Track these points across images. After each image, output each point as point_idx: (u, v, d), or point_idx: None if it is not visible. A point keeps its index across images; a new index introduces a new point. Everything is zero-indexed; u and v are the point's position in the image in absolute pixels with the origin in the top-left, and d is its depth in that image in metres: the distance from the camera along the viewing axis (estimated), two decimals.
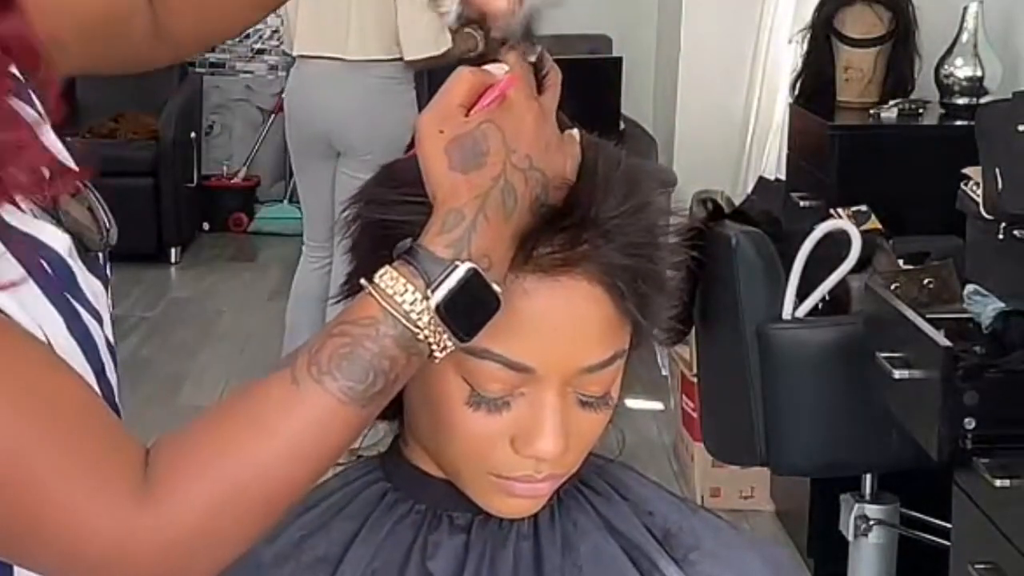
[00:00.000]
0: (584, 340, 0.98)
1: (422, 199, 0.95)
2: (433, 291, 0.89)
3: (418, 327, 0.89)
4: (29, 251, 0.91)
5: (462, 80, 0.94)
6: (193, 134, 6.87)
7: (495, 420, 0.98)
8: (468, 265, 0.90)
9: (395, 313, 0.89)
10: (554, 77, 0.98)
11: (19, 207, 0.91)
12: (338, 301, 1.08)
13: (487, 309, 0.91)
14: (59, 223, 0.95)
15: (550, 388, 0.98)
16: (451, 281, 0.89)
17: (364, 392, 0.89)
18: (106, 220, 1.02)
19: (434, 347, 0.90)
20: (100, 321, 0.98)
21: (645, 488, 1.12)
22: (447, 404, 0.99)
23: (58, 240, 0.94)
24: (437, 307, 0.89)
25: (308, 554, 1.05)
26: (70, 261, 0.95)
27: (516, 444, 0.99)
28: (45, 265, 0.92)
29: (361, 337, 0.89)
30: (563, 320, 0.96)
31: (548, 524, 1.05)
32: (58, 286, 0.93)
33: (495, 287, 0.91)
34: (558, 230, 0.95)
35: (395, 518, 1.05)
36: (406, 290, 0.90)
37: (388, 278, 0.90)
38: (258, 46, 7.46)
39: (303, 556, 1.05)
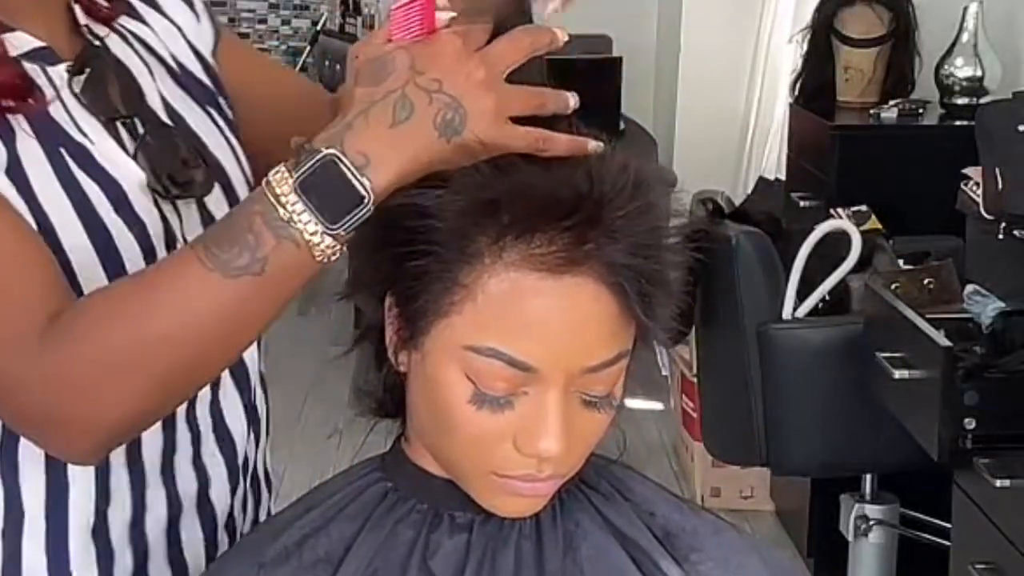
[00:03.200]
0: (588, 340, 0.98)
1: (424, 198, 0.96)
2: (296, 172, 0.95)
3: (281, 204, 0.95)
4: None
5: (391, 17, 1.00)
6: None
7: (498, 419, 0.98)
8: (329, 151, 0.95)
9: (265, 191, 0.96)
10: (516, 38, 0.98)
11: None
12: (341, 298, 1.09)
13: (350, 200, 0.95)
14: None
15: (554, 387, 0.98)
16: (312, 164, 0.95)
17: (227, 261, 0.96)
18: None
19: (303, 231, 0.95)
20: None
21: (647, 489, 1.12)
22: (451, 402, 0.99)
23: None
24: (297, 187, 0.95)
25: (309, 554, 1.05)
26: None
27: (519, 443, 0.99)
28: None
29: (235, 213, 0.99)
30: (567, 319, 0.96)
31: (550, 524, 1.05)
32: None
33: (362, 180, 0.95)
34: (563, 229, 0.95)
35: (396, 518, 1.05)
36: (277, 171, 0.96)
37: (273, 171, 0.96)
38: (258, 46, 7.47)
39: (304, 555, 1.05)
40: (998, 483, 2.18)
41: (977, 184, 2.67)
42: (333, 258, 0.98)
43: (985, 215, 2.62)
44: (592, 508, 1.08)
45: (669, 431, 4.36)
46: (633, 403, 4.30)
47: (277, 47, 7.41)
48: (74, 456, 1.03)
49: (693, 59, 5.34)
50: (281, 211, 0.95)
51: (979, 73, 3.45)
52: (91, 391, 0.97)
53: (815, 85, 3.77)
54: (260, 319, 1.00)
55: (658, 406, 4.44)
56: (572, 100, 1.00)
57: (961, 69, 3.47)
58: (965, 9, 3.45)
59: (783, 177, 3.95)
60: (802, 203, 3.55)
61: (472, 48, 0.97)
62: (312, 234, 0.95)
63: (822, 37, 3.74)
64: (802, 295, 2.80)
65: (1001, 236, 2.58)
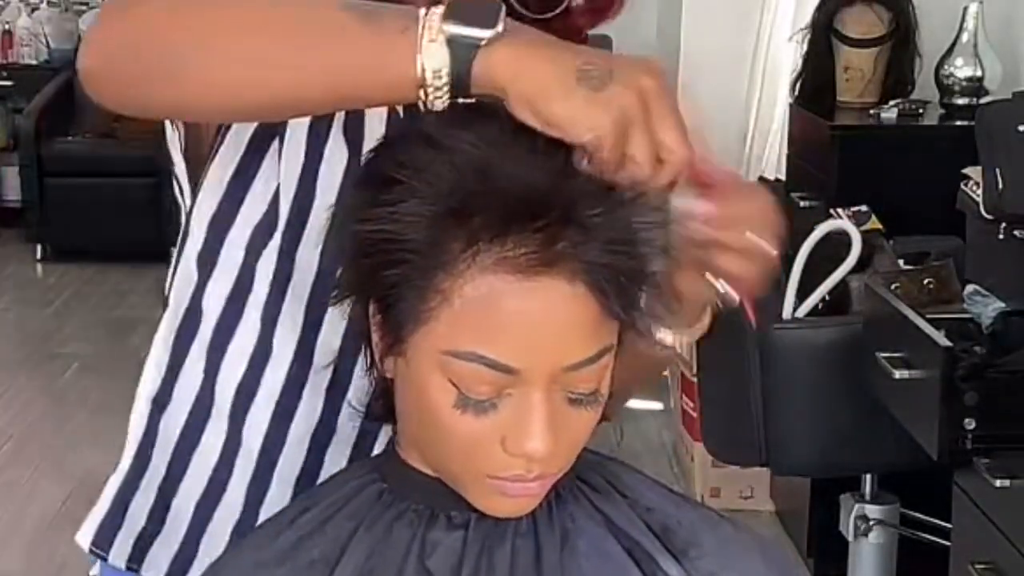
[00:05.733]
0: (567, 339, 0.97)
1: (395, 204, 0.96)
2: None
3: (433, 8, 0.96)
4: None
5: None
6: None
7: (483, 422, 0.98)
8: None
9: None
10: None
11: None
12: (330, 305, 1.09)
13: (488, 17, 0.95)
14: None
15: (536, 388, 0.97)
16: None
17: (356, 3, 0.98)
18: None
19: (427, 26, 0.96)
20: None
21: (643, 484, 1.12)
22: (435, 408, 0.99)
23: None
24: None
25: (304, 555, 1.05)
26: None
27: (506, 445, 0.99)
28: None
29: None
30: (545, 320, 0.96)
31: (546, 520, 1.05)
32: None
33: (500, 22, 0.95)
34: (535, 230, 0.95)
35: (392, 517, 1.05)
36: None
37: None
38: None
39: (300, 557, 1.05)
40: (998, 483, 2.19)
41: (977, 184, 2.67)
42: (434, 73, 0.96)
43: (985, 215, 2.62)
44: (588, 504, 1.08)
45: (669, 431, 4.37)
46: (633, 403, 4.31)
47: None
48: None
49: (693, 59, 5.34)
50: (427, 10, 0.96)
51: (979, 73, 3.45)
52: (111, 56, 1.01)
53: (815, 85, 3.77)
54: (320, 69, 0.98)
55: (658, 406, 4.45)
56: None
57: (961, 69, 3.47)
58: (965, 9, 3.45)
59: (783, 177, 3.95)
60: (802, 203, 3.54)
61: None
62: (430, 28, 0.95)
63: (822, 37, 3.74)
64: (802, 295, 2.79)
65: (1001, 236, 2.58)
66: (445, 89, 0.97)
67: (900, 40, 3.66)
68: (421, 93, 0.97)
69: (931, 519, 2.90)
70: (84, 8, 7.25)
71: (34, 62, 7.10)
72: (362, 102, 1.04)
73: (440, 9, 0.96)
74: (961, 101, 3.46)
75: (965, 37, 3.46)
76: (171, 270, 1.25)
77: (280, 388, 1.22)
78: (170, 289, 1.25)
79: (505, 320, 0.95)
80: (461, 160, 0.97)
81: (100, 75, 1.02)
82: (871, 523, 2.97)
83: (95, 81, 1.02)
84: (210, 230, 1.21)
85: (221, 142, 1.19)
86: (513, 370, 0.96)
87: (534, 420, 0.97)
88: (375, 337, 1.03)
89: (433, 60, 0.96)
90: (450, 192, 0.96)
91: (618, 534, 1.06)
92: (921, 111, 3.56)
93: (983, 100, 3.34)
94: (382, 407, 1.09)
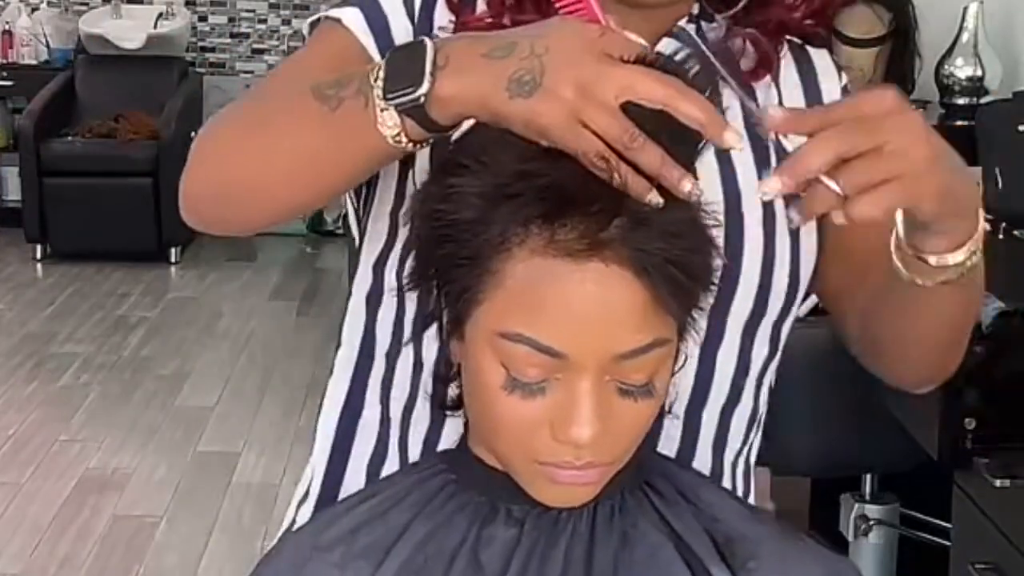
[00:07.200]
0: (616, 326, 0.97)
1: (450, 186, 0.98)
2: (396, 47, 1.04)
3: (375, 66, 1.02)
4: None
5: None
6: (193, 134, 6.80)
7: (531, 405, 0.99)
8: (425, 39, 1.01)
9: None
10: (654, 80, 0.96)
11: None
12: (408, 289, 1.11)
13: (410, 77, 0.99)
14: None
15: (585, 374, 0.97)
16: (407, 43, 1.03)
17: (320, 85, 1.05)
18: None
19: (373, 91, 1.01)
20: None
21: (715, 495, 1.12)
22: (486, 389, 1.00)
23: None
24: (388, 54, 1.02)
25: (363, 540, 1.06)
26: None
27: (554, 430, 0.99)
28: None
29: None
30: (592, 305, 0.96)
31: (606, 523, 1.06)
32: None
33: (429, 70, 0.98)
34: (588, 214, 0.95)
35: (453, 508, 1.07)
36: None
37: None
38: (258, 46, 7.47)
39: (357, 541, 1.06)
40: (998, 483, 2.18)
41: (977, 184, 2.67)
42: (394, 138, 1.01)
43: (985, 215, 2.62)
44: (653, 510, 1.08)
45: None
46: None
47: (277, 47, 7.40)
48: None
49: None
50: (372, 72, 1.01)
51: (979, 73, 3.45)
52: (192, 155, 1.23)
53: None
54: (317, 153, 1.06)
55: None
56: (654, 198, 0.96)
57: (961, 69, 3.47)
58: (965, 9, 3.45)
59: None
60: None
61: (608, 50, 0.96)
62: (378, 97, 1.00)
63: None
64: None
65: (1001, 236, 2.58)
66: (417, 143, 1.01)
67: (900, 40, 3.66)
68: (405, 147, 1.02)
69: (931, 519, 2.90)
70: (84, 8, 7.26)
71: (34, 62, 7.11)
72: (376, 168, 1.12)
73: (382, 74, 1.01)
74: (961, 101, 3.46)
75: (965, 37, 3.45)
76: (345, 308, 1.30)
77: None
78: (343, 326, 1.30)
79: (553, 303, 0.96)
80: (522, 146, 0.97)
81: (194, 220, 1.25)
82: (871, 523, 2.97)
83: (193, 223, 1.26)
84: (374, 271, 1.24)
85: (375, 186, 1.22)
86: (559, 354, 0.97)
87: (580, 406, 0.98)
88: (444, 320, 1.05)
89: (390, 128, 1.00)
90: (501, 172, 0.97)
91: (677, 541, 1.06)
92: (921, 111, 3.55)
93: (983, 100, 3.33)
94: (455, 395, 1.11)
